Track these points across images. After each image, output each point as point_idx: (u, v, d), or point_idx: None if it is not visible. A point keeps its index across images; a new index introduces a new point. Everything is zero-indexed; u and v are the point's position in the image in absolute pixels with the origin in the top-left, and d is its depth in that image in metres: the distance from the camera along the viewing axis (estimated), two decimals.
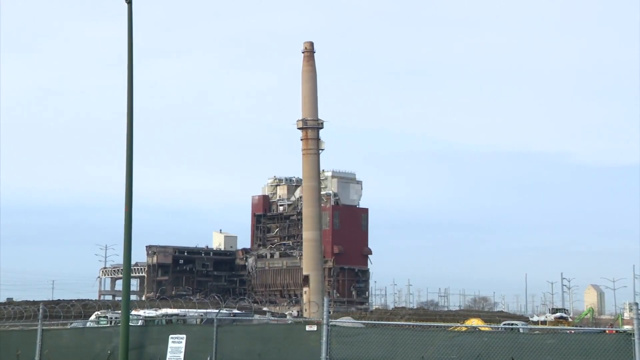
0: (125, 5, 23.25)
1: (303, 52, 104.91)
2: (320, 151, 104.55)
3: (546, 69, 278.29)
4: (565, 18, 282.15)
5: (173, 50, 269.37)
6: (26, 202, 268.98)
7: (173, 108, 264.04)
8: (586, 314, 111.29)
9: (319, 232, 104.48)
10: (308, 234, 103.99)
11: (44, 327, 26.89)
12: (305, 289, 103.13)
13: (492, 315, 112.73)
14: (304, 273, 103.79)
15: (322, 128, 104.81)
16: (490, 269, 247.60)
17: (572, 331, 21.04)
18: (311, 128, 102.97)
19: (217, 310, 33.30)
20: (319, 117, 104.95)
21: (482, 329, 25.61)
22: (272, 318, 59.57)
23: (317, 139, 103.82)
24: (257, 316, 55.12)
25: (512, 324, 62.20)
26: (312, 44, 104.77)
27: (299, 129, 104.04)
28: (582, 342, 16.84)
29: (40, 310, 26.99)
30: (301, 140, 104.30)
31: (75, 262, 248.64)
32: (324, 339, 19.52)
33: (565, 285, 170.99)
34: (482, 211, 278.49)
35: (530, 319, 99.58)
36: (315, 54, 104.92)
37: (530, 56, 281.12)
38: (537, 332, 19.95)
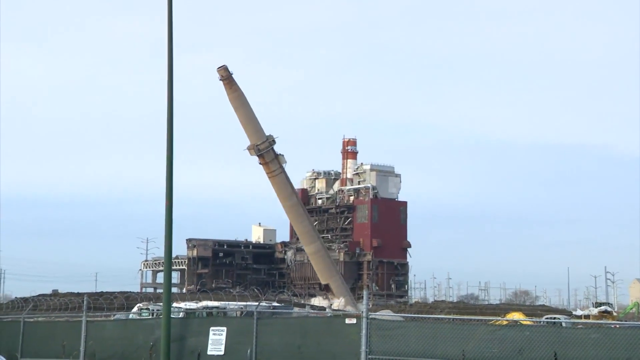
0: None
1: (221, 80, 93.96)
2: (284, 165, 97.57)
3: (584, 58, 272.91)
4: (603, 3, 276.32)
5: (204, 44, 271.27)
6: (71, 196, 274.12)
7: (212, 101, 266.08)
8: (631, 308, 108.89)
9: (319, 243, 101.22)
10: (309, 248, 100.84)
11: (88, 319, 27.32)
12: (330, 295, 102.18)
13: (534, 309, 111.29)
14: (322, 283, 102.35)
15: (275, 144, 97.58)
16: (531, 262, 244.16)
17: (617, 325, 20.69)
18: (266, 152, 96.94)
19: (256, 303, 33.50)
20: (267, 132, 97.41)
21: (524, 322, 25.32)
22: (312, 311, 59.69)
23: (276, 157, 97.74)
24: (296, 309, 55.34)
25: (554, 318, 61.38)
26: (226, 68, 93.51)
27: (253, 156, 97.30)
28: (627, 337, 16.52)
29: (85, 302, 27.44)
30: (260, 164, 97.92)
31: (117, 255, 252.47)
32: (364, 332, 19.49)
33: (609, 279, 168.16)
34: (521, 204, 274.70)
35: (574, 312, 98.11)
36: (234, 76, 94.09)
37: (567, 45, 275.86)
38: (581, 326, 19.63)
